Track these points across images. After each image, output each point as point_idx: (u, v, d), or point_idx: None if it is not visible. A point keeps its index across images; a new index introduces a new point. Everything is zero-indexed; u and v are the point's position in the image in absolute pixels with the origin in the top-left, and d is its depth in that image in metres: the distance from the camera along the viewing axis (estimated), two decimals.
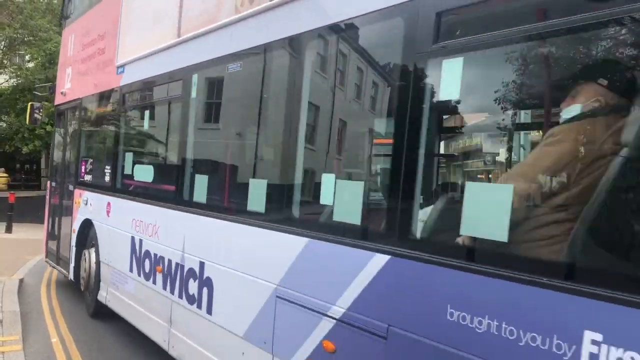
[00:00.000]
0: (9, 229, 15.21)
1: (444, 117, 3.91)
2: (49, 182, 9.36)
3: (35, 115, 9.43)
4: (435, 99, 2.65)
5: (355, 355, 2.85)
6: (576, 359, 1.87)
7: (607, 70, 2.30)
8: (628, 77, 2.24)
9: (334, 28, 3.24)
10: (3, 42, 23.70)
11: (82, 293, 7.27)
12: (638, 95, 2.12)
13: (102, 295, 6.42)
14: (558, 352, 1.93)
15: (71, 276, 7.50)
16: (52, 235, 8.61)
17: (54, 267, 8.59)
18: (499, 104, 3.05)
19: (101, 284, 6.50)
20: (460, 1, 2.49)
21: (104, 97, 6.81)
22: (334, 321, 2.96)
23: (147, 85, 5.63)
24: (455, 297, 2.32)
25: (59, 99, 8.68)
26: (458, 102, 2.77)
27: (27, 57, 24.40)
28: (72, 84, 8.08)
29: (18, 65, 24.16)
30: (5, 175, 24.77)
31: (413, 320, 2.51)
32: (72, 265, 7.46)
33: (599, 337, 1.83)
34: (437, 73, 2.56)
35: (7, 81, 23.52)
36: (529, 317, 2.04)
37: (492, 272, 2.18)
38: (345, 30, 3.20)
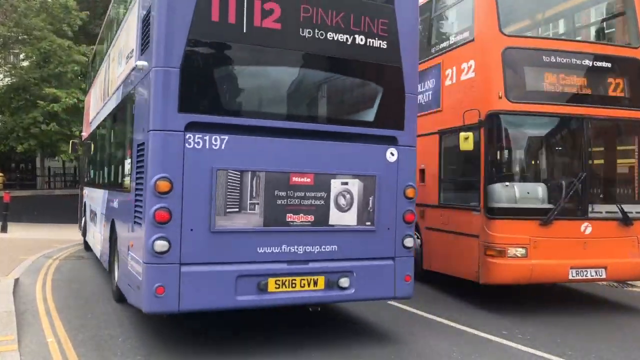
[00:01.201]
0: (4, 229, 15.60)
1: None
2: (79, 184, 16.23)
3: (76, 147, 16.38)
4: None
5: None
6: None
7: None
8: None
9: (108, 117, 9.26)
10: None
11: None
12: None
13: (87, 238, 12.82)
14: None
15: (81, 232, 14.06)
16: (80, 214, 15.32)
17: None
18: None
19: (87, 232, 12.90)
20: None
21: (90, 136, 13.31)
22: (104, 215, 8.90)
23: (92, 134, 12.01)
24: (107, 199, 8.23)
25: (83, 137, 15.50)
26: None
27: (21, 56, 24.15)
28: (85, 129, 14.79)
29: (12, 64, 23.68)
30: (0, 174, 24.55)
31: (116, 212, 8.41)
32: (82, 227, 14.03)
33: None
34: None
35: (1, 80, 23.21)
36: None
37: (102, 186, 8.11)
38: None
